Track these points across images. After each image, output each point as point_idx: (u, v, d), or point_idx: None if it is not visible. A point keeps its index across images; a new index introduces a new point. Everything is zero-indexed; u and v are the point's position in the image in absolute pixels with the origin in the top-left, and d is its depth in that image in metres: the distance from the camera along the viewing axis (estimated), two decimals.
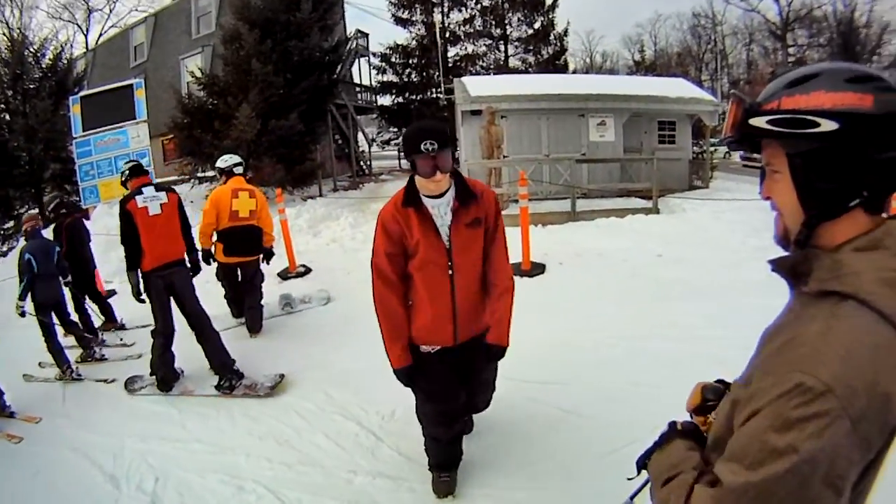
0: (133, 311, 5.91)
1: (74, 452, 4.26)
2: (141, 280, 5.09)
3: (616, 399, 4.10)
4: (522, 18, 27.77)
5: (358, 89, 23.86)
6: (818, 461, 0.90)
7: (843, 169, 1.03)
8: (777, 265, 1.16)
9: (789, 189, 1.11)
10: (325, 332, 6.29)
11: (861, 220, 1.06)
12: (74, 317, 6.40)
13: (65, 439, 4.47)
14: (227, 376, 5.02)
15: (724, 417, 1.15)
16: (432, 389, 3.17)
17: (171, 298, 5.16)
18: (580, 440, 3.70)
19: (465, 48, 27.79)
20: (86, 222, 7.89)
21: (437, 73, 24.26)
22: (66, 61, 17.41)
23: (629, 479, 1.54)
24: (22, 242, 6.08)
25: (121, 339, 6.54)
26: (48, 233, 6.66)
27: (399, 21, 26.90)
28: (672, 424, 1.41)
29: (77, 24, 39.13)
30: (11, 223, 14.56)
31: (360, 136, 23.30)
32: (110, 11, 39.93)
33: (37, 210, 12.88)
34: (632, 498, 1.60)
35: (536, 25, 27.72)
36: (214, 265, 6.46)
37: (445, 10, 26.93)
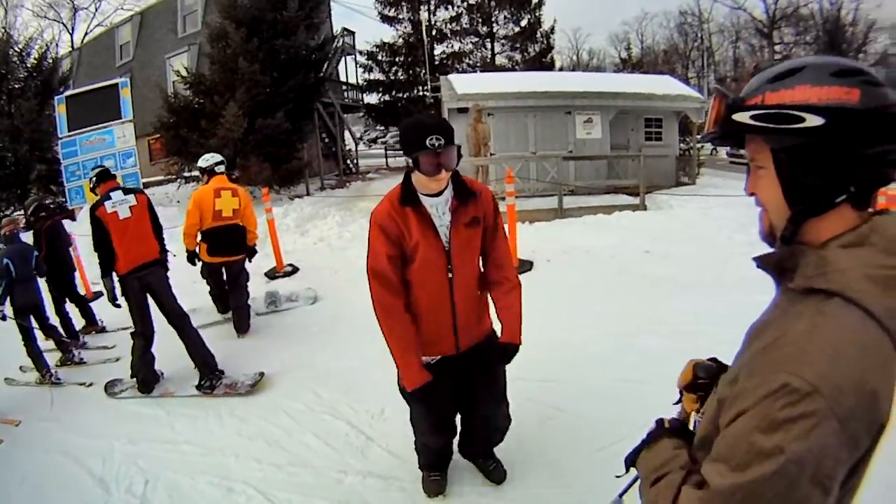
0: (114, 313, 5.85)
1: (63, 456, 4.21)
2: (117, 284, 5.12)
3: (605, 396, 4.11)
4: (509, 16, 27.88)
5: (344, 87, 23.78)
6: (805, 462, 0.89)
7: (828, 164, 1.02)
8: (762, 262, 1.15)
9: (774, 185, 1.10)
10: (312, 330, 6.27)
11: (848, 215, 1.05)
12: (55, 320, 6.38)
13: (53, 443, 4.42)
14: (208, 376, 5.03)
15: (711, 416, 1.15)
16: (430, 403, 2.97)
17: (149, 299, 5.17)
18: (570, 437, 3.70)
19: (452, 46, 27.90)
20: (71, 223, 7.83)
21: (424, 71, 24.29)
22: (51, 60, 17.32)
23: (618, 477, 1.54)
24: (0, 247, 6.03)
25: (106, 348, 6.49)
26: (28, 236, 6.63)
27: (385, 19, 26.92)
28: (659, 422, 1.41)
29: (62, 23, 38.82)
30: None
31: (347, 134, 23.22)
32: (96, 10, 39.59)
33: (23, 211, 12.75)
34: (620, 496, 1.60)
35: (523, 23, 27.84)
36: (200, 264, 6.44)
37: (432, 7, 26.98)
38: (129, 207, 5.07)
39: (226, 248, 6.21)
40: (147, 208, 5.26)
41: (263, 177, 14.10)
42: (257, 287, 7.42)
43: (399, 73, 26.90)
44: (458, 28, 27.61)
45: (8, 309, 5.56)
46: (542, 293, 6.54)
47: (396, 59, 26.79)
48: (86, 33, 36.56)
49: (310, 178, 17.20)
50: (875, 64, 33.00)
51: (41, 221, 6.84)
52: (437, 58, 26.75)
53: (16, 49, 15.99)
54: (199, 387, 5.00)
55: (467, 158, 11.89)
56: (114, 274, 5.09)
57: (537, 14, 27.79)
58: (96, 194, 5.19)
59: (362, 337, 5.42)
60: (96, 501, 3.69)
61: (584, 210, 11.42)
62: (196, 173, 14.56)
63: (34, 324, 5.77)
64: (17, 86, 15.36)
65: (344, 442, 4.00)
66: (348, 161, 22.92)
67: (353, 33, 22.70)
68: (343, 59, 22.49)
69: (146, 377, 5.10)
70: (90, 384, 5.45)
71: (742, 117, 1.09)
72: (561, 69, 34.37)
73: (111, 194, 5.05)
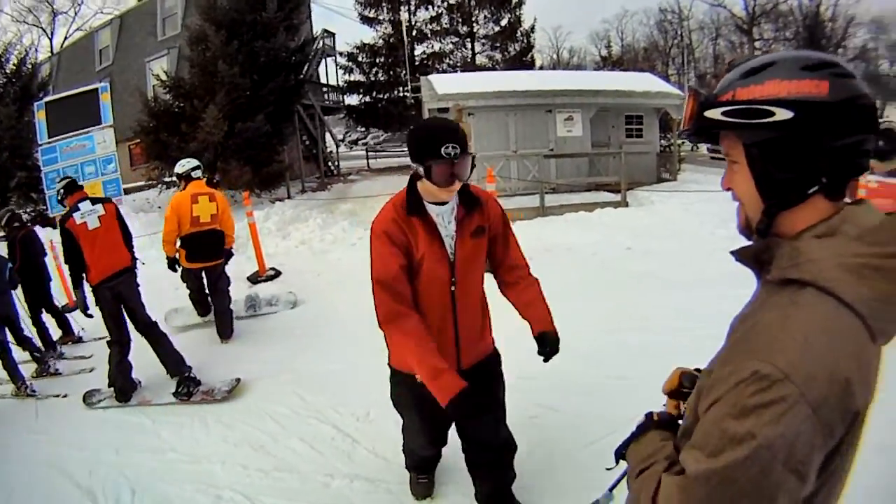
0: (93, 322, 5.80)
1: (50, 468, 4.17)
2: (88, 295, 5.15)
3: (590, 392, 4.14)
4: (489, 16, 27.87)
5: (325, 89, 23.67)
6: (777, 447, 0.90)
7: (799, 157, 1.03)
8: (740, 255, 1.17)
9: (748, 179, 1.11)
10: (295, 334, 6.26)
11: (821, 206, 1.06)
12: (32, 331, 6.36)
13: (41, 455, 4.38)
14: (185, 383, 5.02)
15: (692, 407, 1.15)
16: (425, 422, 2.87)
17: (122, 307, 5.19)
18: (559, 434, 3.72)
19: (432, 46, 27.84)
20: (50, 231, 7.77)
21: (404, 72, 24.19)
22: (30, 66, 17.14)
23: (608, 470, 1.55)
24: None
25: (83, 357, 6.42)
26: (2, 247, 6.60)
27: (365, 20, 26.81)
28: (649, 415, 1.42)
29: (42, 28, 38.24)
30: None
31: (328, 136, 23.13)
32: (75, 14, 38.92)
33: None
34: (611, 490, 1.61)
35: (503, 23, 27.84)
36: (180, 269, 6.43)
37: (412, 8, 26.89)
38: (98, 217, 5.10)
39: (205, 253, 6.22)
40: (116, 217, 5.29)
41: (244, 180, 14.01)
42: (239, 291, 7.39)
43: (379, 74, 26.79)
44: (439, 28, 27.57)
45: None
46: None
47: (377, 60, 26.69)
48: (65, 38, 36.08)
49: (291, 181, 17.10)
50: (854, 59, 33.52)
51: (15, 231, 6.78)
52: (417, 58, 26.69)
53: None
54: (176, 394, 5.00)
55: None
56: (85, 284, 5.10)
57: (517, 13, 27.82)
58: (64, 206, 5.21)
59: (346, 339, 5.45)
60: None
61: (565, 208, 11.48)
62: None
63: (9, 336, 5.72)
64: None
65: (330, 445, 3.99)
66: (329, 163, 22.81)
67: (333, 35, 22.57)
68: (323, 60, 22.37)
69: (123, 386, 5.08)
70: (65, 395, 5.41)
71: (714, 114, 1.10)
72: (541, 68, 34.39)
73: (79, 205, 5.07)
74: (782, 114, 1.01)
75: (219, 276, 6.38)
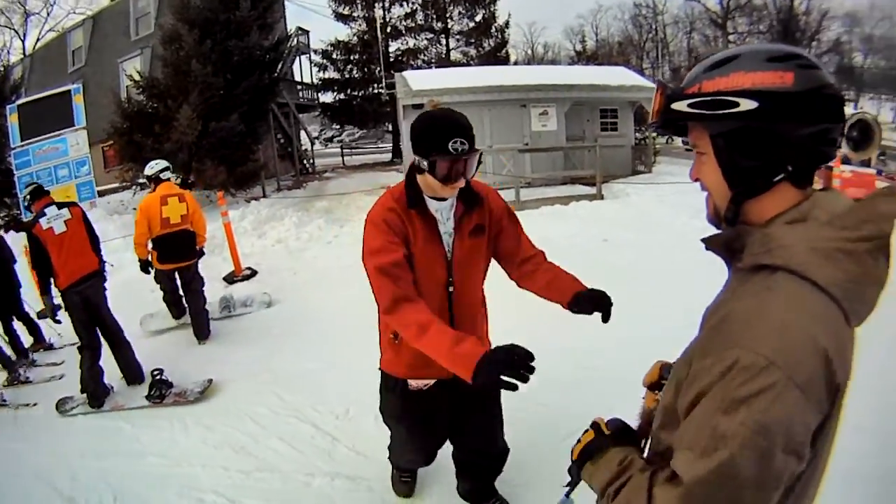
0: (65, 329, 5.71)
1: (32, 478, 4.09)
2: (56, 300, 5.13)
3: (567, 385, 4.17)
4: (463, 11, 27.82)
5: (299, 87, 23.51)
6: (774, 433, 0.91)
7: (764, 146, 1.05)
8: (710, 244, 1.19)
9: (715, 169, 1.13)
10: (273, 333, 6.23)
11: (789, 194, 1.08)
12: (3, 339, 6.29)
13: (23, 465, 4.30)
14: (157, 385, 5.00)
15: (671, 397, 1.16)
16: (415, 432, 2.78)
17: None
18: (539, 428, 3.76)
19: (407, 42, 27.70)
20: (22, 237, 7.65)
21: (379, 69, 24.12)
22: (2, 68, 16.83)
23: (564, 487, 1.55)
24: None
25: (55, 364, 6.33)
26: None
27: (340, 17, 26.62)
28: (596, 427, 1.39)
29: (14, 29, 37.39)
30: None
31: (303, 134, 23.00)
32: (48, 14, 38.03)
33: None
34: (567, 496, 1.58)
35: (478, 18, 27.80)
36: (154, 271, 6.41)
37: (386, 4, 26.77)
38: (65, 222, 5.06)
39: (176, 254, 6.20)
40: (82, 220, 5.26)
41: (219, 180, 13.85)
42: (216, 292, 7.34)
43: (354, 72, 26.64)
44: (413, 24, 27.48)
45: None
46: (502, 285, 6.53)
47: (351, 58, 26.53)
48: (38, 39, 35.29)
49: (266, 180, 16.94)
50: (828, 52, 33.97)
51: None
52: (392, 55, 26.60)
53: None
54: (148, 397, 4.99)
55: None
56: (53, 290, 5.08)
57: (492, 9, 27.80)
58: (31, 212, 5.19)
59: (323, 338, 5.43)
60: None
61: (541, 201, 11.53)
62: None
63: None
64: None
65: (310, 444, 3.99)
66: (304, 161, 22.68)
67: (307, 32, 22.43)
68: (297, 58, 22.22)
69: (95, 391, 5.04)
70: (34, 404, 5.32)
71: (680, 106, 1.12)
72: (516, 63, 34.49)
73: (45, 210, 5.05)
74: (747, 104, 1.03)
75: (192, 277, 6.35)
